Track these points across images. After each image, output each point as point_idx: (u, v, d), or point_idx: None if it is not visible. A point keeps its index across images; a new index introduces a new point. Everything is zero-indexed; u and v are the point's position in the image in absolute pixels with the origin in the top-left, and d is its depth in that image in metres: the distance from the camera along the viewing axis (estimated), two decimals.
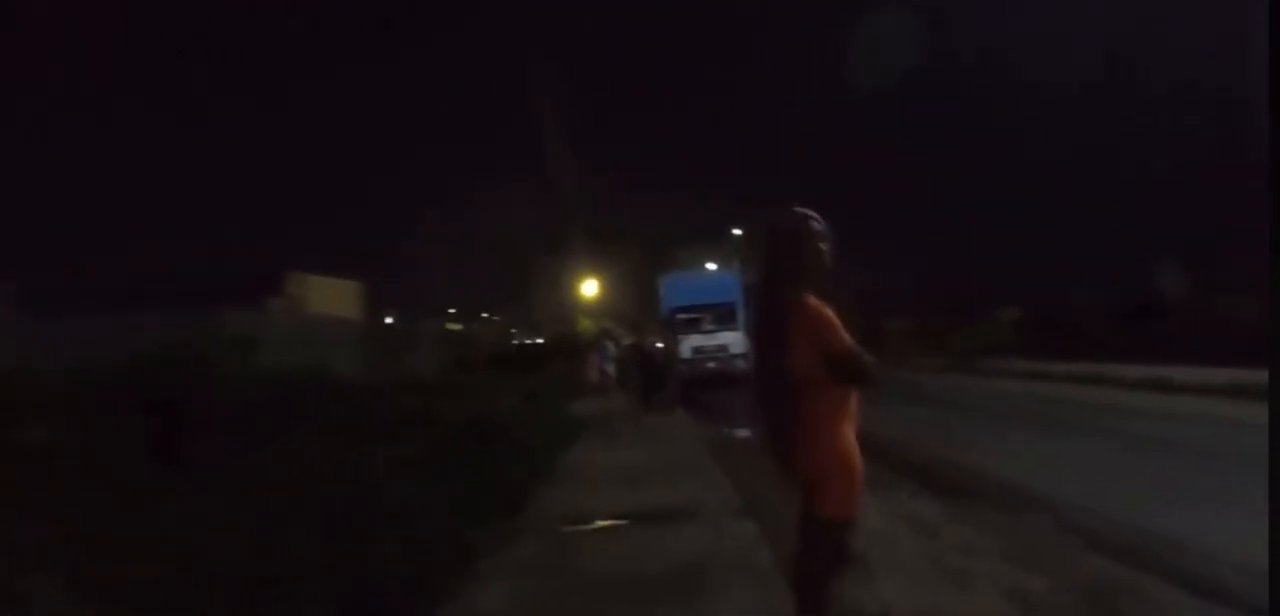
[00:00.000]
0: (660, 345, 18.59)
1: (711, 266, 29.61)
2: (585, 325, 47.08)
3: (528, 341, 59.28)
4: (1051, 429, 13.15)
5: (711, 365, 25.48)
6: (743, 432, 14.87)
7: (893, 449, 10.77)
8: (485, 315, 70.32)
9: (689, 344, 24.25)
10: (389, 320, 50.29)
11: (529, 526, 7.22)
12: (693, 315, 25.62)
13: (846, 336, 3.01)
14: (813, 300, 3.05)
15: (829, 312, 3.04)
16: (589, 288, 49.02)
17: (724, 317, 25.93)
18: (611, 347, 17.16)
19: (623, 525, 7.23)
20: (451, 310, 63.19)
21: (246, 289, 39.51)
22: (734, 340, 25.89)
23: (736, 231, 51.72)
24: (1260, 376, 9.13)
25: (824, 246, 3.17)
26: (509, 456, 9.67)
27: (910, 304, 56.88)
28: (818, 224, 3.18)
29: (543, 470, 9.75)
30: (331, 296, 49.21)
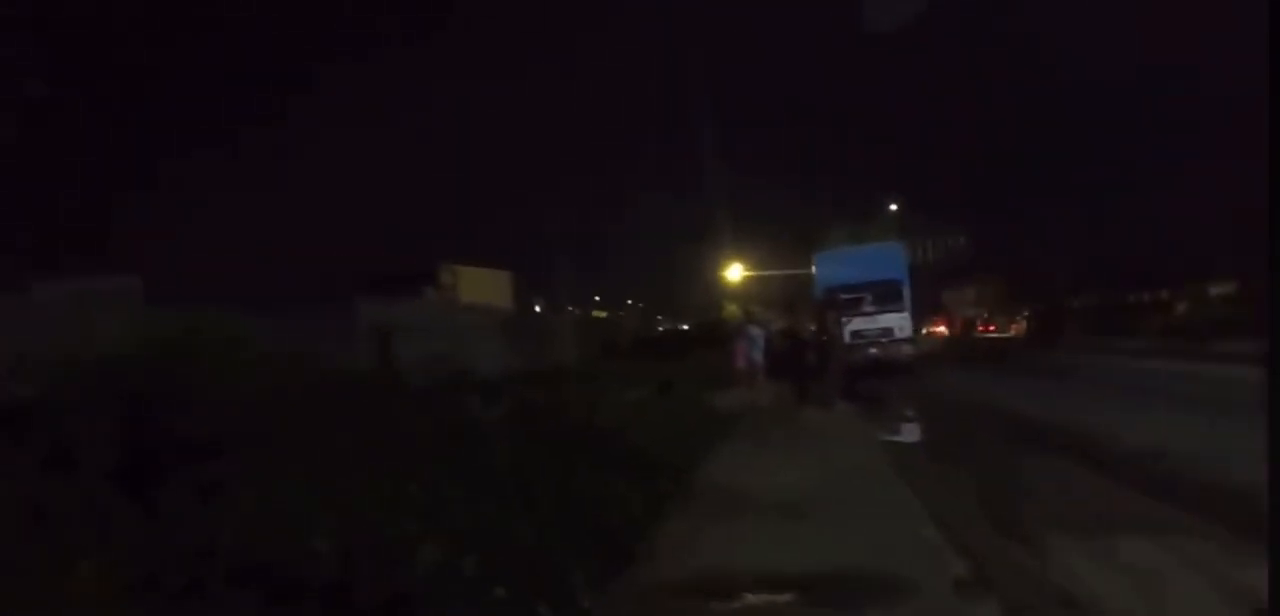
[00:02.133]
0: (815, 329, 15.63)
1: (871, 243, 25.99)
2: (731, 310, 44.32)
3: (672, 328, 57.21)
4: None
5: (873, 351, 22.06)
6: (910, 434, 11.74)
7: None
8: (630, 302, 68.72)
9: (848, 328, 20.96)
10: (537, 308, 49.63)
11: (632, 597, 4.63)
12: (851, 295, 22.26)
13: None
14: None
15: None
16: (734, 272, 46.01)
17: (887, 296, 22.42)
18: (757, 333, 14.35)
19: (785, 603, 4.49)
20: (597, 297, 61.87)
21: (403, 280, 39.55)
22: (899, 322, 22.37)
23: (893, 207, 47.40)
24: None
25: None
26: (629, 469, 7.16)
27: (1088, 278, 50.58)
28: None
29: (670, 491, 7.14)
30: (484, 286, 48.89)
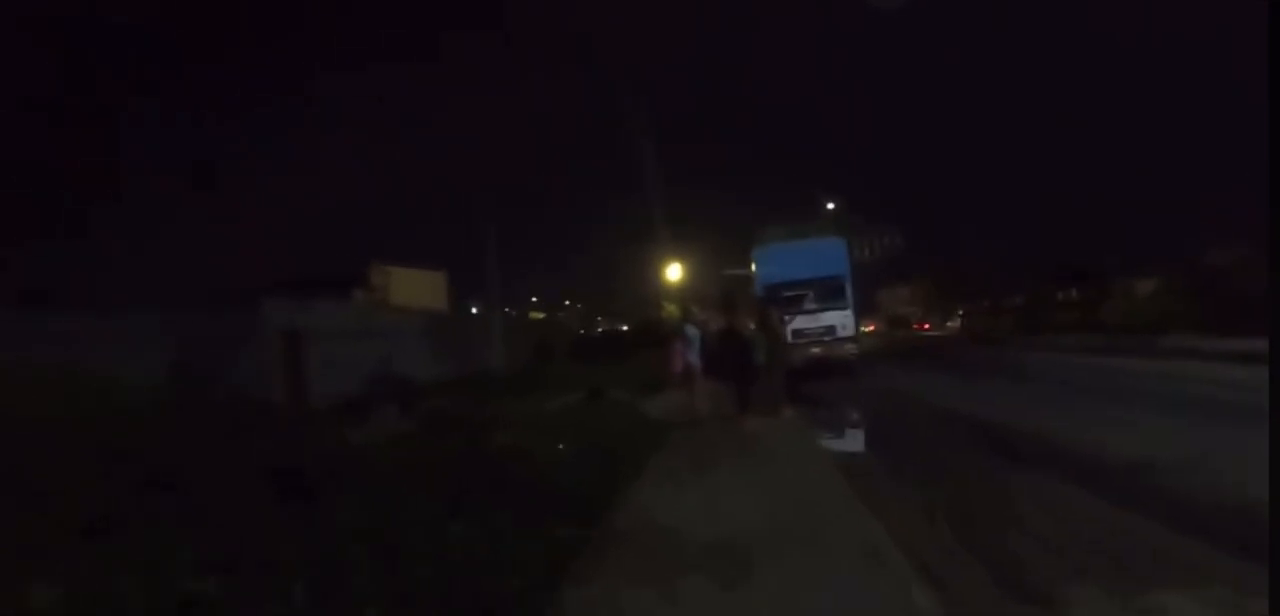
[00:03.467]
0: (756, 328, 14.14)
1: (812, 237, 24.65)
2: (670, 310, 42.95)
3: (612, 329, 55.63)
4: None
5: (816, 350, 20.72)
6: (866, 446, 10.32)
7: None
8: (568, 303, 66.85)
9: (789, 326, 19.58)
10: (474, 310, 47.56)
11: None
12: (793, 292, 20.90)
13: None
14: None
15: None
16: (673, 271, 44.66)
17: (830, 293, 21.12)
18: (693, 333, 12.80)
19: None
20: (534, 298, 59.88)
21: (331, 282, 37.01)
22: (843, 320, 21.07)
23: (830, 206, 46.60)
24: None
25: None
26: (534, 507, 5.50)
27: (1021, 276, 50.65)
28: None
29: (582, 537, 5.48)
30: (417, 287, 46.53)
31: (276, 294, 24.22)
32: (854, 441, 11.03)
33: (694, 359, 12.29)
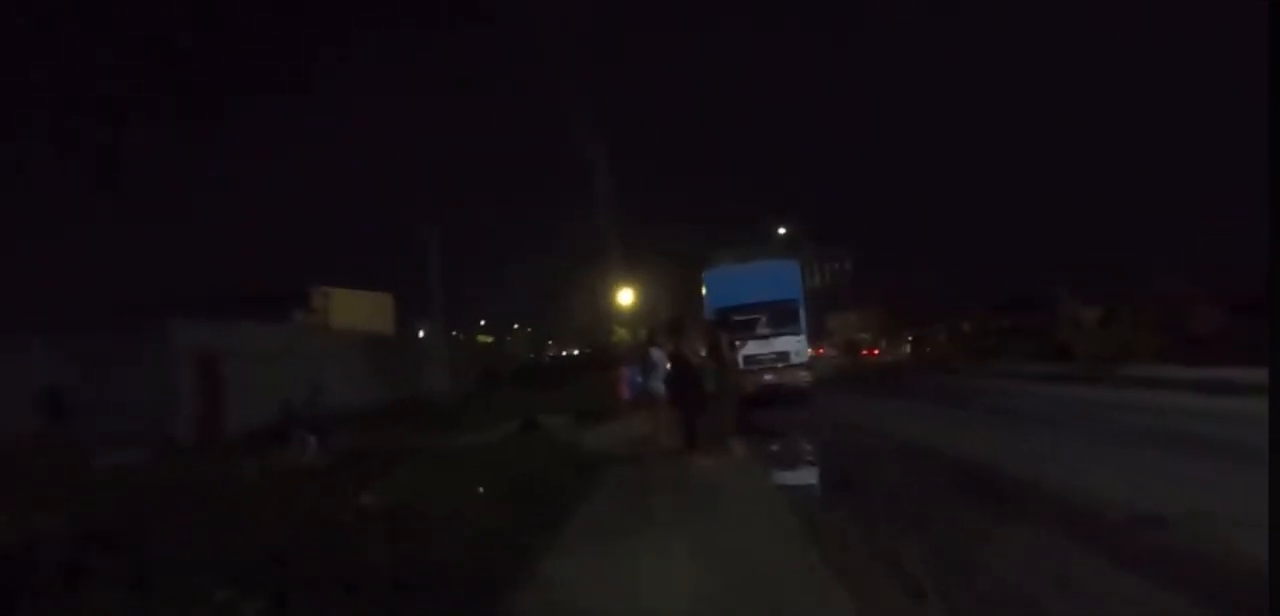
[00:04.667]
0: (706, 354, 12.81)
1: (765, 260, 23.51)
2: (620, 335, 41.63)
3: (563, 353, 54.05)
4: None
5: (768, 377, 19.49)
6: (830, 492, 9.01)
7: None
8: (516, 327, 65.02)
9: (741, 352, 18.36)
10: (421, 334, 45.63)
11: None
12: (745, 316, 19.68)
13: None
14: None
15: None
16: (625, 295, 43.32)
17: (783, 318, 19.93)
18: (659, 356, 11.23)
19: None
20: (482, 322, 57.97)
21: (269, 302, 34.76)
22: (796, 346, 19.89)
23: (782, 230, 45.90)
24: None
25: None
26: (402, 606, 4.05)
27: (969, 303, 50.50)
28: None
29: None
30: (360, 309, 44.37)
31: (194, 312, 22.24)
32: (830, 491, 9.76)
33: (658, 385, 10.90)
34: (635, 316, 41.71)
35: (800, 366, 19.79)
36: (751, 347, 19.52)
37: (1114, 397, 14.50)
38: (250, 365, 21.09)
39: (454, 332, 47.37)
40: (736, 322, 19.11)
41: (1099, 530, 6.01)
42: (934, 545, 5.91)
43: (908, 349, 46.57)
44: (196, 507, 5.57)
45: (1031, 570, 5.18)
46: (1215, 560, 5.06)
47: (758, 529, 6.20)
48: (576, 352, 51.47)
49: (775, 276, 20.73)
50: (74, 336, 17.09)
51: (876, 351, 50.37)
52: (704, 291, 21.50)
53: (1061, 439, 10.52)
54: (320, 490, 6.37)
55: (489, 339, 54.04)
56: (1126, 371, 18.35)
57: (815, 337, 48.41)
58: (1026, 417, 13.29)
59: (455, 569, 4.54)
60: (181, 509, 5.45)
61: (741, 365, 18.10)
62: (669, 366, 11.03)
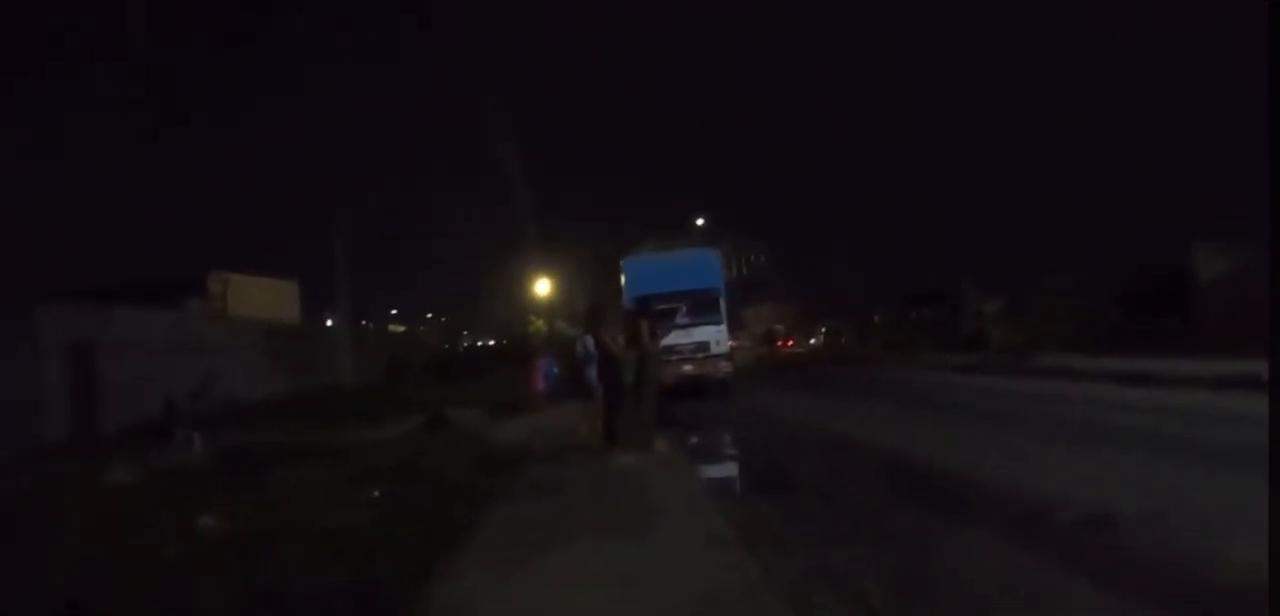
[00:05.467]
0: (624, 343, 11.97)
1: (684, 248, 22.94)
2: (536, 326, 40.52)
3: (480, 344, 52.42)
4: None
5: (688, 368, 18.90)
6: (756, 491, 8.38)
7: None
8: (429, 316, 62.92)
9: (661, 342, 17.65)
10: (330, 323, 43.36)
11: None
12: (665, 306, 19.03)
13: None
14: None
15: None
16: (541, 286, 42.17)
17: (703, 307, 19.35)
18: (588, 346, 10.24)
19: None
20: (393, 311, 55.76)
21: (163, 289, 32.12)
22: (716, 336, 19.36)
23: (700, 222, 45.60)
24: None
25: None
26: None
27: (879, 296, 51.41)
28: None
29: None
30: (262, 297, 41.69)
31: (67, 300, 20.12)
32: (756, 490, 9.13)
33: (592, 374, 10.02)
34: (552, 307, 40.72)
35: (721, 356, 19.29)
36: (671, 337, 18.87)
37: (1034, 389, 14.47)
38: (135, 356, 19.25)
39: (364, 322, 45.26)
40: (656, 312, 18.42)
41: (1048, 530, 5.54)
42: (880, 553, 5.29)
43: (820, 340, 47.04)
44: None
45: (981, 577, 4.61)
46: (1182, 566, 4.59)
47: (686, 537, 5.46)
48: (492, 343, 50.06)
49: (695, 265, 20.17)
50: None
51: (791, 343, 50.76)
52: (623, 280, 20.75)
53: (991, 431, 10.22)
54: (167, 503, 5.28)
55: (401, 329, 51.96)
56: (1038, 361, 18.55)
57: (732, 329, 48.40)
58: (950, 407, 13.06)
59: (319, 605, 3.62)
60: None
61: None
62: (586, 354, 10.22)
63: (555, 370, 17.94)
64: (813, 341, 48.64)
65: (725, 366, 19.35)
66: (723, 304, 19.71)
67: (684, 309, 19.33)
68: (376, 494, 7.44)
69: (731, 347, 21.65)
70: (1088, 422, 10.24)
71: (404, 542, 5.19)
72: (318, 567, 4.12)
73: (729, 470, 10.15)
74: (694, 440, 12.00)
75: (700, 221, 44.24)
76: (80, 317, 18.46)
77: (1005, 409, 12.24)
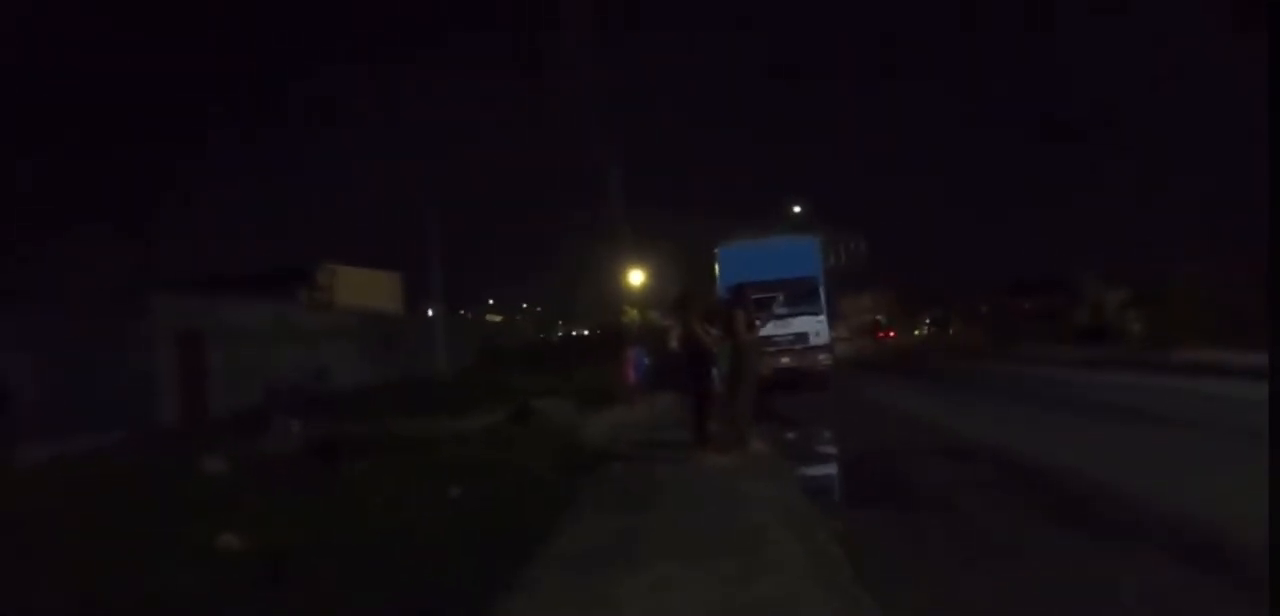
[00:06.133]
0: (720, 334, 11.10)
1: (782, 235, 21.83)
2: (630, 315, 40.05)
3: (573, 333, 52.55)
4: None
5: (785, 360, 17.86)
6: (881, 512, 7.38)
7: None
8: (525, 306, 63.49)
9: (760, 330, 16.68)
10: (430, 313, 44.29)
11: None
12: (761, 295, 18.01)
13: None
14: None
15: None
16: (635, 276, 41.61)
17: (802, 296, 18.22)
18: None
19: None
20: (490, 301, 56.53)
21: (274, 279, 33.35)
22: (816, 327, 18.25)
23: (797, 209, 43.97)
24: None
25: None
26: None
27: (983, 286, 48.53)
28: None
29: None
30: (367, 287, 42.85)
31: (180, 290, 20.83)
32: (846, 484, 8.22)
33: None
34: (646, 296, 40.13)
35: (820, 348, 18.17)
36: (767, 327, 17.87)
37: (1181, 387, 12.75)
38: (241, 343, 19.76)
39: (461, 312, 45.93)
40: (754, 301, 17.45)
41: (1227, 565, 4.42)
42: (1017, 584, 4.30)
43: (924, 331, 44.77)
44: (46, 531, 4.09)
45: None
46: None
47: (781, 561, 4.61)
48: (586, 333, 50.05)
49: (794, 252, 19.08)
50: (27, 318, 15.57)
51: (892, 333, 48.61)
52: (717, 268, 19.87)
53: (1142, 437, 8.84)
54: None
55: (498, 318, 52.59)
56: (1181, 356, 16.59)
57: (831, 320, 46.66)
58: (1080, 411, 11.56)
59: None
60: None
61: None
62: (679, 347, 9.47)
63: (646, 361, 17.24)
64: (916, 332, 46.38)
65: (825, 358, 18.22)
66: (822, 294, 18.58)
67: (781, 298, 18.29)
68: (455, 493, 6.93)
69: (832, 338, 20.48)
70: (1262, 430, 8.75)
71: (464, 559, 4.56)
72: (354, 586, 3.52)
73: (834, 472, 9.19)
74: (792, 437, 11.06)
75: (796, 209, 42.59)
76: (191, 307, 19.08)
77: (1160, 410, 10.66)
